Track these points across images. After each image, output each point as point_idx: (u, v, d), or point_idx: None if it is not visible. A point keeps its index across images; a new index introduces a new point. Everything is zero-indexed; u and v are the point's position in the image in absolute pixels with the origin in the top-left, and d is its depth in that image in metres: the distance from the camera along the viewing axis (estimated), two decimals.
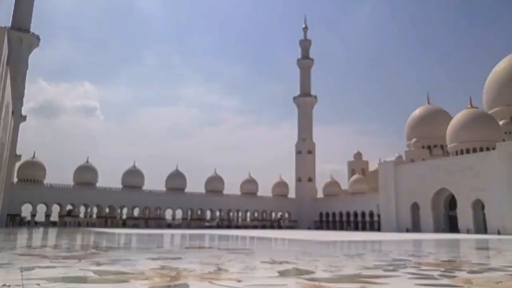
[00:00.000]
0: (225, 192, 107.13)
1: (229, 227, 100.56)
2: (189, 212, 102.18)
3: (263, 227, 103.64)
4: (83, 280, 6.56)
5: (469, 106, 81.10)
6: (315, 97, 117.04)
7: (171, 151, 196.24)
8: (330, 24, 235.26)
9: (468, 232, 65.95)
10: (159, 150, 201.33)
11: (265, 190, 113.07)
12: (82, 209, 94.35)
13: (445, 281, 8.08)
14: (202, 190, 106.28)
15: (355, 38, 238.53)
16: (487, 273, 9.87)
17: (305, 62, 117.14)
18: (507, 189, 62.35)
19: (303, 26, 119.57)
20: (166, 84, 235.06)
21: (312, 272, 8.55)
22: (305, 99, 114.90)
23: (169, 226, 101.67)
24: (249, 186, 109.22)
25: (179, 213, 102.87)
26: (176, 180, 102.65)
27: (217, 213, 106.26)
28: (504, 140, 71.39)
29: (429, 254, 15.99)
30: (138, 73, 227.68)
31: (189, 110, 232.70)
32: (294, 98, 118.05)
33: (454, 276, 8.96)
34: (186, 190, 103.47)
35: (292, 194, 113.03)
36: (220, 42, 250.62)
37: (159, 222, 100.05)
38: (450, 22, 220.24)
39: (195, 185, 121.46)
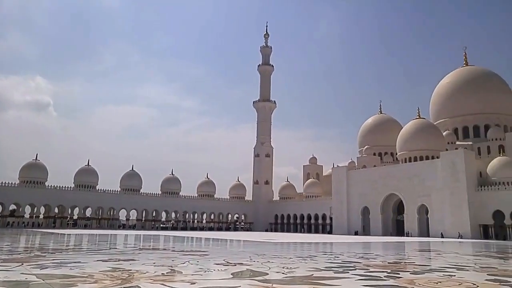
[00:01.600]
0: (181, 193, 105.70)
1: (184, 228, 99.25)
2: (144, 213, 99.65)
3: (219, 228, 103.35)
4: (24, 284, 6.13)
5: (417, 116, 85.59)
6: (274, 102, 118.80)
7: (127, 151, 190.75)
8: (291, 32, 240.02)
9: (410, 235, 69.44)
10: (115, 149, 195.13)
11: (222, 192, 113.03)
12: (28, 209, 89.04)
13: (390, 282, 8.53)
14: (158, 191, 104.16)
15: (314, 47, 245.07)
16: (428, 274, 10.52)
17: (265, 68, 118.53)
18: (449, 195, 66.39)
19: (264, 32, 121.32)
20: (124, 83, 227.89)
21: (266, 274, 8.71)
22: (264, 104, 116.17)
23: (122, 227, 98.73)
24: (207, 188, 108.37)
25: (133, 214, 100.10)
26: (131, 180, 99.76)
27: (173, 215, 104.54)
28: (447, 149, 75.95)
29: (377, 257, 16.71)
30: (95, 70, 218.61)
31: (147, 109, 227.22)
32: (254, 103, 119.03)
33: (399, 277, 9.48)
34: (142, 190, 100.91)
35: (249, 196, 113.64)
36: (182, 43, 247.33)
37: (112, 223, 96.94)
38: (403, 37, 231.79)
39: (151, 186, 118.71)
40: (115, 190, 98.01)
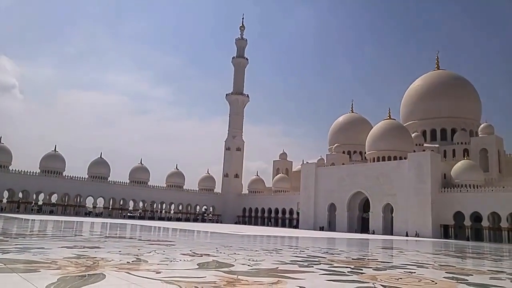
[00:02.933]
0: (150, 183, 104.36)
1: (152, 218, 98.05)
2: (111, 201, 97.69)
3: (187, 220, 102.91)
4: None
5: (388, 117, 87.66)
6: (248, 96, 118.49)
7: (95, 138, 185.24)
8: (267, 27, 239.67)
9: (373, 233, 71.43)
10: (83, 135, 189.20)
11: (191, 183, 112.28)
12: None
13: (353, 277, 8.73)
14: (126, 179, 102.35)
15: (289, 43, 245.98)
16: (390, 270, 10.85)
17: (239, 60, 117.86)
18: (414, 195, 68.61)
19: (240, 25, 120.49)
20: (94, 68, 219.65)
21: (231, 265, 8.72)
22: (237, 97, 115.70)
23: (89, 214, 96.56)
24: (176, 179, 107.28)
25: (100, 202, 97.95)
26: (99, 168, 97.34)
27: (141, 204, 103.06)
28: (414, 151, 78.24)
29: (341, 252, 17.08)
30: (63, 52, 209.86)
31: (117, 96, 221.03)
32: (227, 95, 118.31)
33: (362, 273, 9.73)
34: (110, 178, 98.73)
35: (218, 188, 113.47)
36: (155, 30, 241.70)
37: (79, 210, 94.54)
38: (378, 37, 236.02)
39: (120, 174, 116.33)
40: (82, 177, 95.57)
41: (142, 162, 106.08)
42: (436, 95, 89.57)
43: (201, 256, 10.47)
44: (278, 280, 6.92)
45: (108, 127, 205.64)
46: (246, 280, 6.48)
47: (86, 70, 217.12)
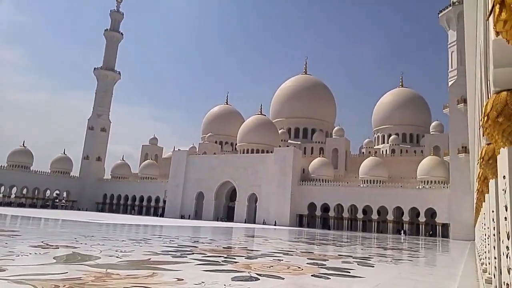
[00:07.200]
0: None
1: None
2: None
3: (33, 205, 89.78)
4: None
5: (259, 113, 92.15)
6: (119, 73, 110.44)
7: None
8: (148, 4, 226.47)
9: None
10: None
11: (42, 164, 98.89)
12: None
13: (229, 266, 8.62)
14: None
15: (171, 25, 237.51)
16: (261, 259, 11.15)
17: (113, 34, 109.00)
18: (276, 186, 73.79)
19: None
20: None
21: (97, 258, 7.71)
22: (107, 73, 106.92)
23: None
24: (20, 158, 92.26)
25: None
26: None
27: None
28: (280, 146, 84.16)
29: (211, 241, 17.03)
30: None
31: None
32: (95, 69, 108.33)
33: (236, 262, 9.72)
34: None
35: (76, 172, 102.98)
36: None
37: None
38: (260, 34, 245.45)
39: None
40: None
41: None
42: (301, 97, 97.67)
43: (57, 248, 9.07)
44: (153, 273, 6.31)
45: None
46: (118, 274, 5.71)
47: None
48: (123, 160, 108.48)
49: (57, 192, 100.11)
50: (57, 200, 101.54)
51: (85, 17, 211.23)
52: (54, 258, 7.22)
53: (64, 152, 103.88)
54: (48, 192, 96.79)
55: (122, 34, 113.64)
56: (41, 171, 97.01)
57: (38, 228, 18.96)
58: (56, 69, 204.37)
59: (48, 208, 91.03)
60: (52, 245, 9.55)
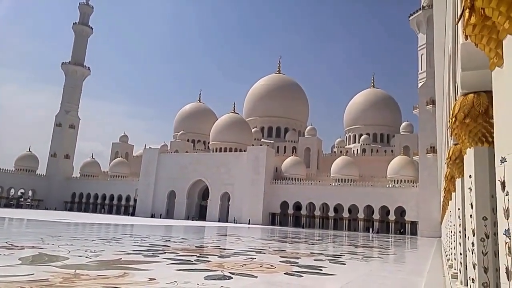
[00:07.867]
0: None
1: None
2: None
3: None
4: None
5: (232, 111, 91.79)
6: (89, 68, 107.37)
7: None
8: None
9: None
10: None
11: (6, 162, 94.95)
12: None
13: (201, 265, 8.57)
14: None
15: (145, 19, 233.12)
16: (234, 257, 11.14)
17: (82, 28, 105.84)
18: (249, 185, 73.83)
19: None
20: None
21: (65, 258, 7.48)
22: (76, 68, 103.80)
23: None
24: None
25: None
26: None
27: None
28: (253, 145, 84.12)
29: (184, 241, 16.87)
30: None
31: None
32: (63, 64, 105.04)
33: (209, 261, 9.66)
34: None
35: (42, 170, 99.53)
36: None
37: None
38: (236, 34, 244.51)
39: None
40: None
41: None
42: (274, 96, 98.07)
43: (23, 248, 8.75)
44: (125, 273, 6.18)
45: None
46: (87, 275, 5.56)
47: None
48: (92, 158, 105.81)
49: (22, 191, 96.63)
50: (22, 199, 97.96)
51: (53, 9, 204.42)
52: (19, 259, 6.96)
53: (29, 149, 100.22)
54: (12, 190, 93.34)
55: (92, 28, 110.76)
56: (5, 169, 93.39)
57: (2, 228, 18.22)
58: (22, 63, 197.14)
59: (12, 207, 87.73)
60: (17, 246, 9.20)
